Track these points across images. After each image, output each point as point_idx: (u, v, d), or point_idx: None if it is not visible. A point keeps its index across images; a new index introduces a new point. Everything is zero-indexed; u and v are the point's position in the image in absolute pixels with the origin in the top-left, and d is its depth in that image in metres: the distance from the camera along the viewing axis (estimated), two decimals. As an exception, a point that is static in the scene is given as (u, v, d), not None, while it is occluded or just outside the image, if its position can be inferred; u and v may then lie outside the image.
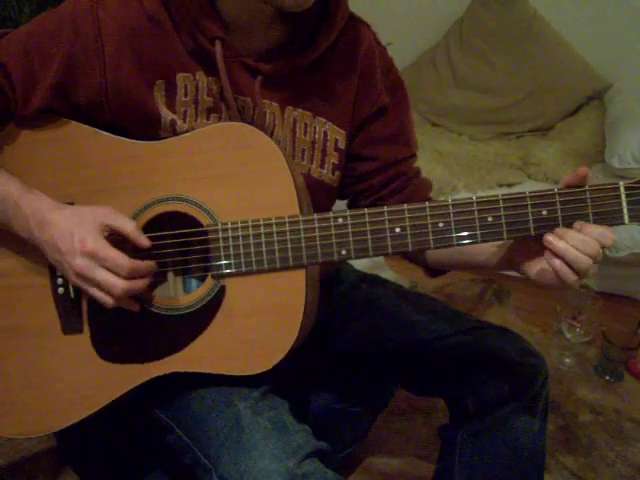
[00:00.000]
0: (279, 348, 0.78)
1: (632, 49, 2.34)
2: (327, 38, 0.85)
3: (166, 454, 0.99)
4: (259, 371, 0.79)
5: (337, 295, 1.08)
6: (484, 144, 2.38)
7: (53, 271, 0.84)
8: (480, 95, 2.46)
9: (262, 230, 0.78)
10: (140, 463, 1.18)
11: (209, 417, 0.81)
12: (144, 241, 0.78)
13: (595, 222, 0.71)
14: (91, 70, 0.81)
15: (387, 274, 1.88)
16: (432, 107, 2.55)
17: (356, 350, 1.06)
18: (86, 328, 0.84)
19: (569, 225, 0.72)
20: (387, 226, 0.76)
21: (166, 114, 0.84)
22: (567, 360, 1.72)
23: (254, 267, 0.78)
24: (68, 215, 0.78)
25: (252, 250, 0.78)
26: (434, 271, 0.99)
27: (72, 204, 0.82)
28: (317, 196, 0.88)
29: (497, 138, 2.44)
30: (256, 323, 0.79)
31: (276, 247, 0.78)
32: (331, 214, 0.77)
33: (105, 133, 0.84)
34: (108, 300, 0.76)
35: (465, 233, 0.74)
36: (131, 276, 0.76)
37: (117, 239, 0.77)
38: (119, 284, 0.75)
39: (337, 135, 0.91)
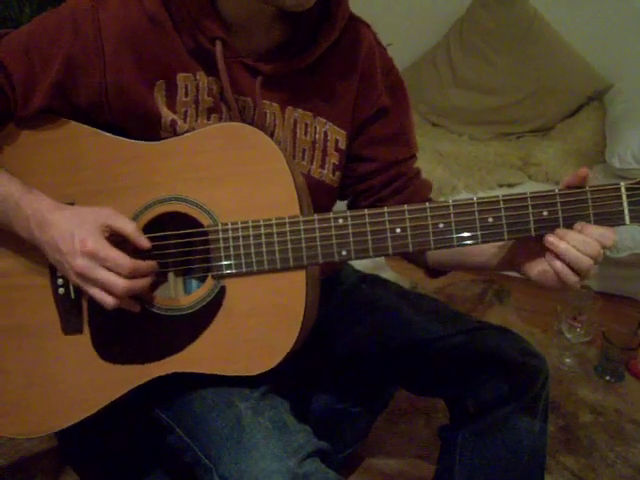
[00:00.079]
0: (279, 349, 0.78)
1: (632, 49, 2.34)
2: (328, 38, 0.85)
3: (166, 454, 0.99)
4: (259, 372, 0.79)
5: (337, 295, 1.08)
6: (484, 144, 2.38)
7: (54, 271, 0.84)
8: (480, 95, 2.46)
9: (262, 231, 0.78)
10: (140, 463, 1.18)
11: (210, 417, 0.81)
12: (144, 242, 0.78)
13: (596, 223, 0.71)
14: (91, 70, 0.81)
15: (388, 274, 1.88)
16: (432, 107, 2.54)
17: (356, 350, 1.06)
18: (86, 328, 0.84)
19: (570, 226, 0.72)
20: (387, 227, 0.76)
21: (166, 114, 0.84)
22: (567, 360, 1.72)
23: (254, 268, 0.78)
24: (68, 215, 0.78)
25: (252, 251, 0.78)
26: (435, 272, 0.99)
27: (72, 204, 0.82)
28: (317, 196, 0.88)
29: (497, 138, 2.44)
30: (256, 324, 0.79)
31: (276, 248, 0.78)
32: (331, 215, 0.77)
33: (105, 133, 0.84)
34: (109, 300, 0.76)
35: (466, 234, 0.74)
36: (132, 275, 0.76)
37: (117, 240, 0.77)
38: (120, 283, 0.75)
39: (337, 135, 0.91)
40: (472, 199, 0.74)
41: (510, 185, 2.12)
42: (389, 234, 0.76)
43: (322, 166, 0.91)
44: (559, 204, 0.72)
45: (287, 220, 0.77)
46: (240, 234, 0.79)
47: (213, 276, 0.80)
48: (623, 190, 0.70)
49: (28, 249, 0.83)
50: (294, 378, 0.98)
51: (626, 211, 0.70)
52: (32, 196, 0.80)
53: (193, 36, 0.81)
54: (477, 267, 0.88)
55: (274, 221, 0.77)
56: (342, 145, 0.91)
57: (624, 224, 0.71)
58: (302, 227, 0.77)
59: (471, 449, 0.98)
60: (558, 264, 0.71)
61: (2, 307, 0.86)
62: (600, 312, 1.72)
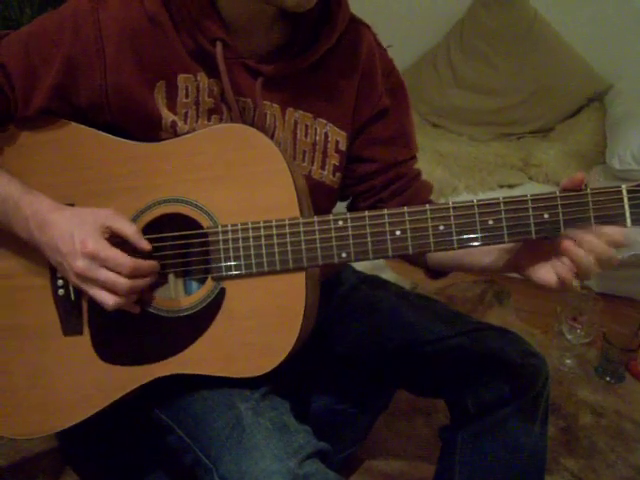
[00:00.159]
0: (279, 350, 0.78)
1: (633, 50, 2.34)
2: (328, 39, 0.85)
3: (167, 455, 0.99)
4: (259, 373, 0.79)
5: (337, 297, 1.08)
6: (485, 145, 2.38)
7: (54, 272, 0.84)
8: (481, 96, 2.46)
9: (262, 232, 0.78)
10: (141, 463, 1.18)
11: (210, 418, 0.81)
12: (144, 244, 0.78)
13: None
14: (92, 71, 0.81)
15: (388, 275, 1.88)
16: (432, 108, 2.54)
17: (356, 351, 1.06)
18: (86, 330, 0.84)
19: (570, 228, 0.71)
20: (387, 229, 0.76)
21: (167, 115, 0.84)
22: (568, 361, 1.72)
23: (254, 269, 0.78)
24: (68, 216, 0.78)
25: (252, 252, 0.78)
26: (435, 273, 0.99)
27: (72, 205, 0.82)
28: (318, 198, 0.87)
29: (498, 139, 2.44)
30: (256, 325, 0.79)
31: (276, 249, 0.78)
32: (331, 216, 0.77)
33: (105, 134, 0.84)
34: (109, 300, 0.76)
35: (466, 236, 0.74)
36: (133, 275, 0.76)
37: (117, 241, 0.77)
38: (122, 282, 0.75)
39: (338, 136, 0.91)
40: (472, 201, 0.74)
41: (510, 186, 2.11)
42: (389, 236, 0.76)
43: (322, 167, 0.91)
44: (560, 207, 0.71)
45: (287, 222, 0.77)
46: (240, 236, 0.79)
47: (213, 277, 0.80)
48: (624, 192, 0.70)
49: (28, 250, 0.83)
50: (294, 379, 0.98)
51: (627, 214, 0.70)
52: (32, 197, 0.80)
53: (193, 37, 0.81)
54: (478, 268, 0.88)
55: (274, 223, 0.77)
56: (342, 146, 0.91)
57: (625, 227, 0.71)
58: (302, 229, 0.77)
59: (471, 449, 0.98)
60: (564, 270, 0.71)
61: (3, 308, 0.86)
62: (600, 313, 1.72)
